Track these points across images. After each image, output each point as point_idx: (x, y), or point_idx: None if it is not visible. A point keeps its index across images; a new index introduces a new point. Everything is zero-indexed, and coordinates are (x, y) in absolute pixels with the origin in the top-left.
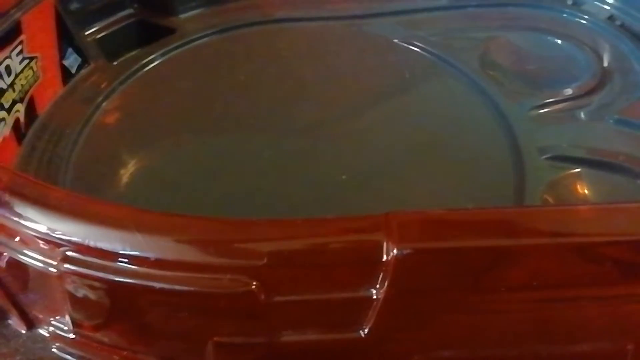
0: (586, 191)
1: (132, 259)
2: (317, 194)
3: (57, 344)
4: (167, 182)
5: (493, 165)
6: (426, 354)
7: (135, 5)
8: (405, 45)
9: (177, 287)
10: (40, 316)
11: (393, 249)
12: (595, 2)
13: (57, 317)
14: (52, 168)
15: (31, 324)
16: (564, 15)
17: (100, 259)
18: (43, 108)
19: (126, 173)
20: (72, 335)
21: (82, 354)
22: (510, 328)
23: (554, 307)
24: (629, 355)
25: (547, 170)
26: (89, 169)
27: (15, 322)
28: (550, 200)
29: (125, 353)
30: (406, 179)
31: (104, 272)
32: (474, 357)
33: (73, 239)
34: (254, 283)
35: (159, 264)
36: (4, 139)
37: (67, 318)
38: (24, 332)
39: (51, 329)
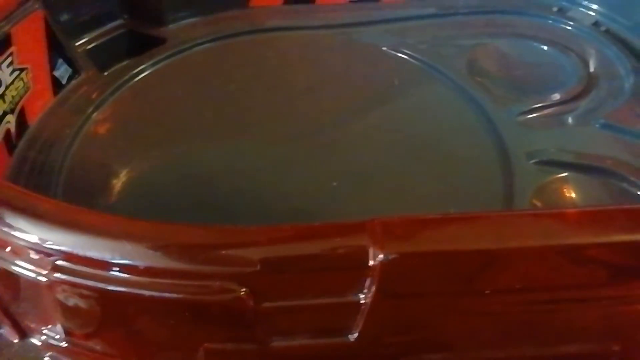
0: (574, 195)
1: (121, 268)
2: (307, 200)
3: (50, 353)
4: (158, 191)
5: (481, 170)
6: (415, 357)
7: (126, 16)
8: (394, 52)
9: (166, 295)
10: (32, 325)
11: (379, 254)
12: (580, 9)
13: (49, 326)
14: (44, 178)
15: (23, 333)
16: (550, 22)
17: (89, 268)
18: (34, 119)
19: (117, 183)
20: (64, 344)
21: None
22: (499, 331)
23: (541, 309)
24: (616, 356)
25: (535, 174)
26: (80, 179)
27: (7, 332)
28: (539, 204)
29: None
30: (395, 185)
31: (94, 281)
32: None
33: (62, 248)
34: (243, 289)
35: (148, 271)
36: None
37: (59, 327)
38: (16, 341)
39: (43, 338)
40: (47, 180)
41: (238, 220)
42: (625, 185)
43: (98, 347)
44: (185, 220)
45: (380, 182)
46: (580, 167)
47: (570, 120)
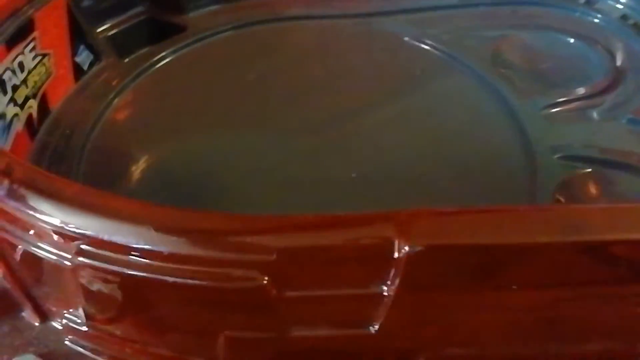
0: (598, 191)
1: (145, 253)
2: (326, 191)
3: (70, 337)
4: (177, 178)
5: (505, 163)
6: (435, 351)
7: (146, 3)
8: (416, 43)
9: (189, 281)
10: (54, 309)
11: (404, 246)
12: (608, 1)
13: (71, 310)
14: (64, 164)
15: (44, 316)
16: (576, 14)
17: (114, 253)
18: (55, 104)
19: (137, 169)
20: (84, 328)
21: (94, 347)
22: (520, 326)
23: (565, 305)
24: None
25: (559, 169)
26: (100, 165)
27: (28, 315)
28: (562, 199)
29: (137, 346)
30: (417, 177)
31: (118, 266)
32: (482, 355)
33: (88, 232)
34: (265, 278)
35: (172, 258)
36: (17, 134)
37: (80, 311)
38: (37, 324)
39: (64, 321)
40: (68, 166)
41: (254, 209)
42: None
43: (119, 332)
44: (204, 208)
45: (400, 174)
46: (605, 163)
47: (596, 114)
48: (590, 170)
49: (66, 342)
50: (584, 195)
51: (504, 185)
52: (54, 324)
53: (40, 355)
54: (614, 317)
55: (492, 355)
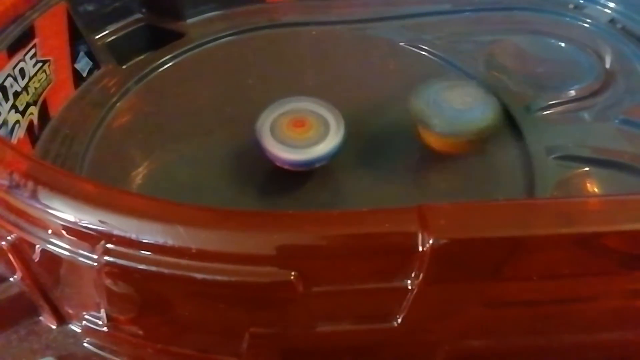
0: (593, 189)
1: (173, 251)
2: (325, 195)
3: (89, 339)
4: (178, 184)
5: (503, 165)
6: (456, 343)
7: (144, 10)
8: (411, 48)
9: (217, 278)
10: (71, 311)
11: (429, 240)
12: (597, 7)
13: (90, 312)
14: (66, 169)
15: (62, 319)
16: (567, 19)
17: (141, 252)
18: (56, 111)
19: (137, 175)
20: (104, 329)
21: (114, 348)
22: (538, 318)
23: (579, 296)
24: None
25: (555, 169)
26: (101, 171)
27: (46, 319)
28: None
29: (159, 346)
30: (415, 181)
31: (145, 265)
32: (503, 346)
33: (114, 232)
34: (292, 273)
35: (199, 255)
36: (19, 140)
37: (102, 312)
38: (54, 327)
39: (83, 323)
40: (69, 171)
41: None
42: None
43: (141, 332)
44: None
45: (399, 178)
46: (599, 162)
47: (589, 116)
48: (585, 169)
49: (85, 344)
50: (580, 194)
51: (503, 185)
52: (72, 326)
53: (59, 358)
54: (627, 307)
55: (511, 346)
